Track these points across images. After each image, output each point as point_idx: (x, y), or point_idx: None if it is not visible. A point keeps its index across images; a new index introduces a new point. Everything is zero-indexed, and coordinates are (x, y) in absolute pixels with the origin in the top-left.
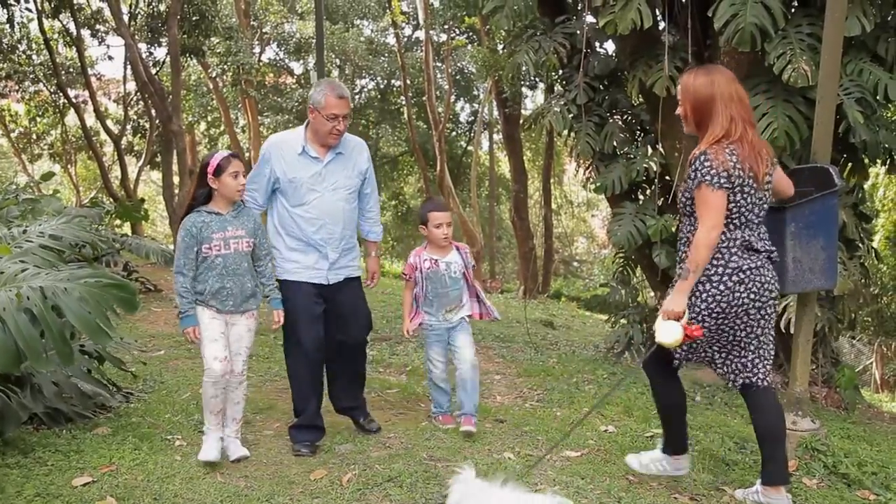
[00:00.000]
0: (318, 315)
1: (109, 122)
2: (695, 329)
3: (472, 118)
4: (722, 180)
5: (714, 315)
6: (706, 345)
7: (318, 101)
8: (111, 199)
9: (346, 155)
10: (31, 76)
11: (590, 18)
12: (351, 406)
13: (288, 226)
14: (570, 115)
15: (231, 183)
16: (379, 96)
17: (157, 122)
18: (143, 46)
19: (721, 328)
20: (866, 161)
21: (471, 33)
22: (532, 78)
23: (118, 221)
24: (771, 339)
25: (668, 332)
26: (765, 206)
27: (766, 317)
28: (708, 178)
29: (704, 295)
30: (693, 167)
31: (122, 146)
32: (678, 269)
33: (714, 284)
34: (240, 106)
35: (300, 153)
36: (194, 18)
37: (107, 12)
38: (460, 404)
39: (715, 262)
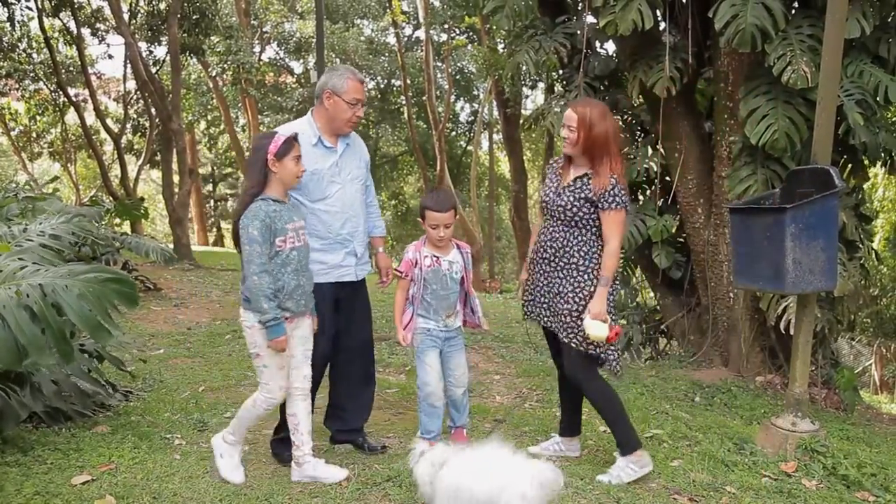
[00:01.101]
0: (333, 324)
1: (109, 121)
2: (616, 329)
3: (472, 118)
4: (628, 206)
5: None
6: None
7: (340, 85)
8: (111, 198)
9: (352, 145)
10: (31, 74)
11: (590, 18)
12: (355, 428)
13: (311, 224)
14: None
15: (293, 168)
16: (379, 96)
17: (157, 120)
18: (143, 45)
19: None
20: (866, 162)
21: (471, 33)
22: (532, 78)
23: (118, 220)
24: None
25: (600, 329)
26: None
27: None
28: (623, 204)
29: (612, 296)
30: (612, 193)
31: (122, 145)
32: (560, 275)
33: (613, 286)
34: (240, 105)
35: (314, 144)
36: (194, 17)
37: (107, 11)
38: (452, 418)
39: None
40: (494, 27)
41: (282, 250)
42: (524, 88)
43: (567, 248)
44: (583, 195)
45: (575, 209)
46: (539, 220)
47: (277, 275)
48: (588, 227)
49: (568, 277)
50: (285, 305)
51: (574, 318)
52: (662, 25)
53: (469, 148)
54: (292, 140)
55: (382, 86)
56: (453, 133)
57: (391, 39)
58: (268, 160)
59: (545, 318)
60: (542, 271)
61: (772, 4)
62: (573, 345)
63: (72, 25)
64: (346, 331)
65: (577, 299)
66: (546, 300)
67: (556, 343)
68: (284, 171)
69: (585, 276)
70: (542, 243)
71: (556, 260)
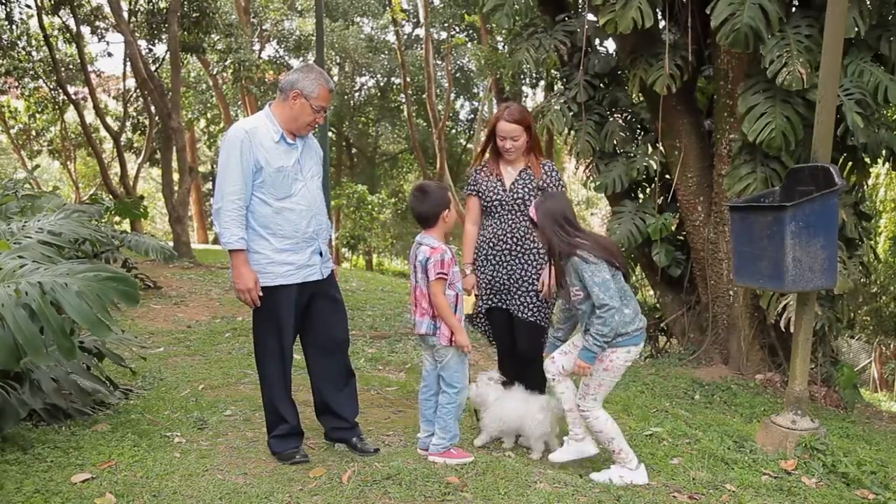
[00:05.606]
0: (297, 325)
1: (109, 119)
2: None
3: (472, 116)
4: (565, 187)
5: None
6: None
7: (311, 89)
8: (111, 196)
9: (309, 142)
10: (30, 72)
11: (590, 16)
12: (349, 425)
13: (274, 224)
14: (571, 114)
15: None
16: (379, 94)
17: (157, 118)
18: (142, 43)
19: None
20: (867, 160)
21: (471, 31)
22: (532, 76)
23: (117, 218)
24: None
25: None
26: None
27: None
28: (563, 184)
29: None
30: (555, 178)
31: (122, 143)
32: (522, 260)
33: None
34: (240, 103)
35: (277, 141)
36: (194, 15)
37: (107, 9)
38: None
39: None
40: (494, 25)
41: None
42: (524, 87)
43: (528, 236)
44: (533, 184)
45: (531, 198)
46: (469, 225)
47: None
48: None
49: (531, 262)
50: None
51: (536, 297)
52: (662, 23)
53: (469, 146)
54: None
55: (382, 83)
56: (453, 131)
57: (391, 37)
58: None
59: (506, 301)
60: (499, 262)
61: (768, 6)
62: (536, 321)
63: (71, 23)
64: (320, 330)
65: (538, 281)
66: (507, 286)
67: (508, 323)
68: None
69: (544, 259)
70: (500, 236)
71: (518, 248)
